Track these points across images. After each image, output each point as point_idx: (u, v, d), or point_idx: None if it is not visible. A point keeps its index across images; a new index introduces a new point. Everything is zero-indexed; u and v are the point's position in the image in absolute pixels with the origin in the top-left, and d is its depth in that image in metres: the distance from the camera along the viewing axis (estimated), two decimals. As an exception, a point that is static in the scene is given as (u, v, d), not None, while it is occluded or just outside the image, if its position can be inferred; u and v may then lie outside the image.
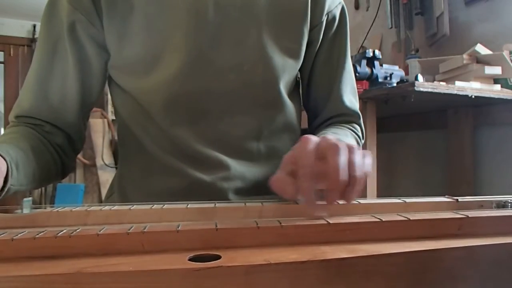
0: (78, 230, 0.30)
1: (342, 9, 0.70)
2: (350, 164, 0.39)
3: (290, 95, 0.68)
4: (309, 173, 0.38)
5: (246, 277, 0.26)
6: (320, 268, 0.27)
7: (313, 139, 0.41)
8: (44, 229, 0.31)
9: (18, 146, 0.53)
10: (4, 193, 0.47)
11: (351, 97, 0.71)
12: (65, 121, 0.63)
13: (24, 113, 0.61)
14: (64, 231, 0.30)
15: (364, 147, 1.33)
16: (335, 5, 0.68)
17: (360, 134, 0.72)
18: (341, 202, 0.39)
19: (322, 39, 0.68)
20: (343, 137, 0.63)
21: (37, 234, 0.30)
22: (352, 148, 0.40)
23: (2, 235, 0.30)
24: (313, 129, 0.73)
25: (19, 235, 0.30)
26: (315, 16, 0.66)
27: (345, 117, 0.71)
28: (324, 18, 0.67)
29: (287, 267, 0.26)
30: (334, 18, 0.68)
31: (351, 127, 0.70)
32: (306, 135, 0.43)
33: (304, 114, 0.75)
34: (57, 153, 0.62)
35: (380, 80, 1.41)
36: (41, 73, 0.61)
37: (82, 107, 0.64)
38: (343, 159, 0.38)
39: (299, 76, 0.72)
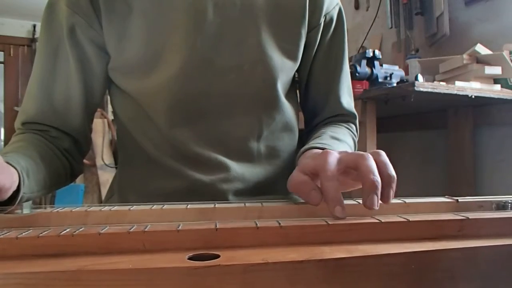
0: (81, 229, 0.31)
1: (340, 10, 0.70)
2: (382, 164, 0.40)
3: (287, 95, 0.68)
4: (334, 176, 0.38)
5: (244, 276, 0.26)
6: (318, 268, 0.27)
7: (334, 152, 0.42)
8: (47, 228, 0.32)
9: (27, 154, 0.53)
10: (17, 201, 0.47)
11: (348, 98, 0.72)
12: (70, 125, 0.63)
13: (30, 119, 0.61)
14: (67, 230, 0.31)
15: (364, 147, 1.34)
16: (332, 7, 0.68)
17: (355, 132, 0.73)
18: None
19: (320, 40, 0.68)
20: (342, 136, 0.64)
21: (41, 233, 0.30)
22: (377, 151, 0.42)
23: (7, 234, 0.30)
24: (311, 129, 0.74)
25: (24, 233, 0.30)
26: (313, 18, 0.66)
27: (343, 117, 0.72)
28: (322, 20, 0.67)
29: (285, 266, 0.27)
30: (331, 19, 0.68)
31: (348, 126, 0.71)
32: (327, 150, 0.44)
33: (300, 114, 0.76)
34: (65, 157, 0.62)
35: (380, 80, 1.41)
36: (44, 78, 0.61)
37: (86, 110, 0.64)
38: (373, 162, 0.39)
39: (297, 76, 0.72)
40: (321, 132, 0.64)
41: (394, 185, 0.39)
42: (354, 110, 0.73)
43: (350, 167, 0.40)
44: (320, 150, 0.50)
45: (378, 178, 0.37)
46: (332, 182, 0.38)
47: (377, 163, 0.39)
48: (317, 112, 0.72)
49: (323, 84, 0.71)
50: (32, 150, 0.56)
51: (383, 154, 0.41)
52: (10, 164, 0.47)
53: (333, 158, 0.41)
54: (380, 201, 0.38)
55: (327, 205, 0.37)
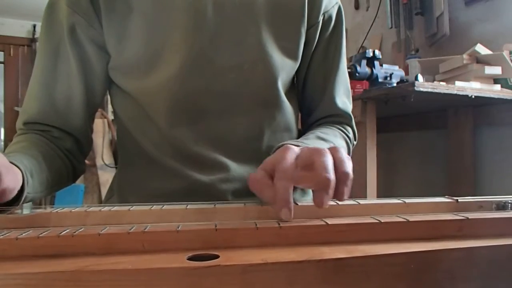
0: (80, 230, 0.31)
1: (339, 9, 0.70)
2: (338, 161, 0.38)
3: (287, 95, 0.68)
4: (287, 175, 0.37)
5: (243, 276, 0.26)
6: (317, 268, 0.27)
7: (294, 148, 0.41)
8: (47, 229, 0.32)
9: (29, 154, 0.53)
10: (21, 201, 0.47)
11: (344, 98, 0.71)
12: (72, 125, 0.63)
13: (32, 119, 0.61)
14: (67, 230, 0.31)
15: (364, 147, 1.34)
16: (331, 5, 0.68)
17: (351, 135, 0.71)
18: (331, 202, 0.38)
19: (318, 39, 0.68)
20: (331, 137, 0.63)
21: (41, 233, 0.30)
22: (336, 148, 0.41)
23: (7, 234, 0.31)
24: (306, 129, 0.73)
25: (23, 234, 0.30)
26: (312, 16, 0.66)
27: (337, 118, 0.70)
28: (321, 18, 0.67)
29: (284, 266, 0.27)
30: (330, 18, 0.68)
31: (341, 128, 0.70)
32: (287, 145, 0.43)
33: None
34: (67, 157, 0.62)
35: (380, 80, 1.41)
36: (45, 78, 0.61)
37: (87, 109, 0.64)
38: (329, 158, 0.38)
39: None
40: (310, 132, 0.63)
41: (349, 183, 0.38)
42: (350, 112, 0.71)
43: (307, 164, 0.39)
44: None
45: (330, 175, 0.36)
46: (284, 182, 0.37)
47: (334, 160, 0.38)
48: (312, 111, 0.72)
49: (319, 82, 0.70)
50: (35, 150, 0.56)
51: (340, 150, 0.40)
52: (14, 164, 0.47)
53: (291, 154, 0.40)
54: (335, 199, 0.37)
55: (276, 205, 0.36)
